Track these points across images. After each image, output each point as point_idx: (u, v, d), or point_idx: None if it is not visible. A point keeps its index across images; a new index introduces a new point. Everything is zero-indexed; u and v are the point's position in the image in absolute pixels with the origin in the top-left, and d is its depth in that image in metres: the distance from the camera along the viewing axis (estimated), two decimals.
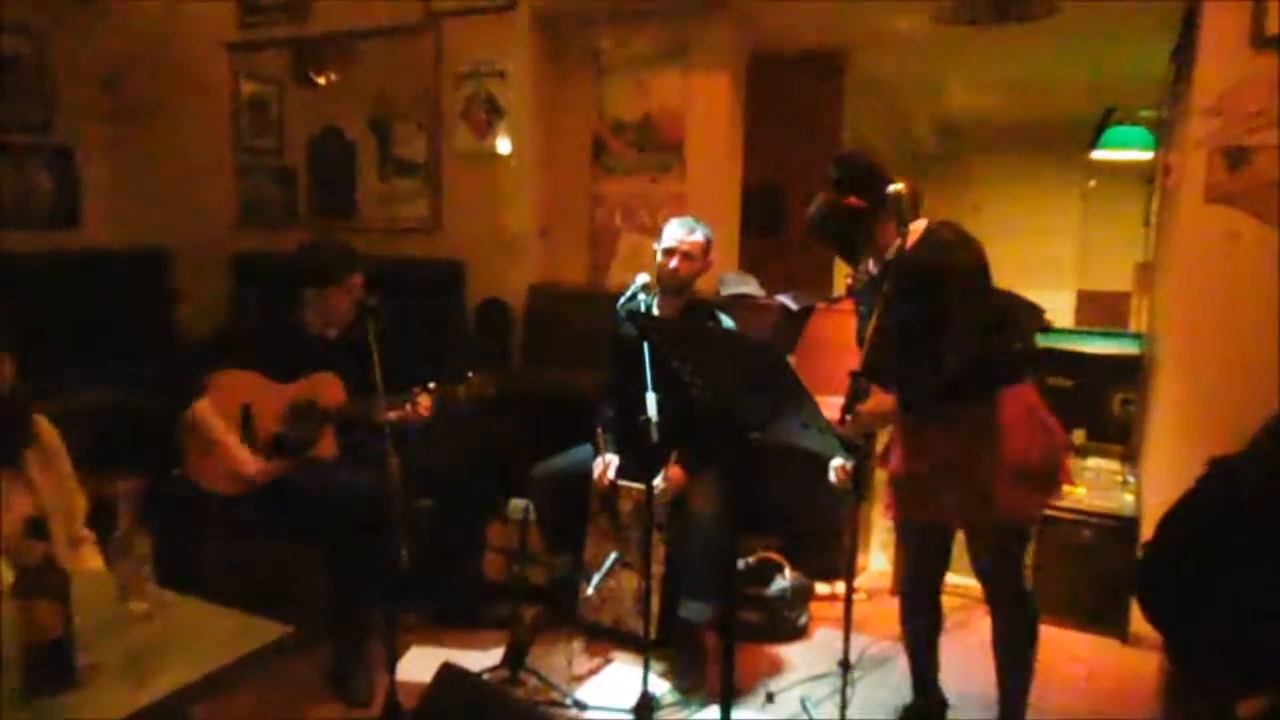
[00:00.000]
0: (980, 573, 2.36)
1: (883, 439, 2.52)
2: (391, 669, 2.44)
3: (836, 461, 2.41)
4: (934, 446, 2.27)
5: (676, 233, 2.98)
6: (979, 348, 2.13)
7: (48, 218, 4.40)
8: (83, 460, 2.34)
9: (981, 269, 2.16)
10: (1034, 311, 4.31)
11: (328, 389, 2.83)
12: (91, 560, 2.20)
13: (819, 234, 2.31)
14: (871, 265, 2.33)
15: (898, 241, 2.18)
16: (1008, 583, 2.30)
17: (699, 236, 2.98)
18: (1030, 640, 2.34)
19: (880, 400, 2.18)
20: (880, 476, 2.56)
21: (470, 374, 2.79)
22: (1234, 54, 2.86)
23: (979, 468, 2.19)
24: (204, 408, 2.71)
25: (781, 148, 5.12)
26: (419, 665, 2.74)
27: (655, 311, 2.85)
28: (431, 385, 2.76)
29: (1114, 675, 2.95)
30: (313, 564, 2.71)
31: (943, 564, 2.46)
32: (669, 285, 2.95)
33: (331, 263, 2.90)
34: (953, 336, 2.11)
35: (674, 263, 2.95)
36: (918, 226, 2.19)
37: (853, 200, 2.19)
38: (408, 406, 2.72)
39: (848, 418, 2.15)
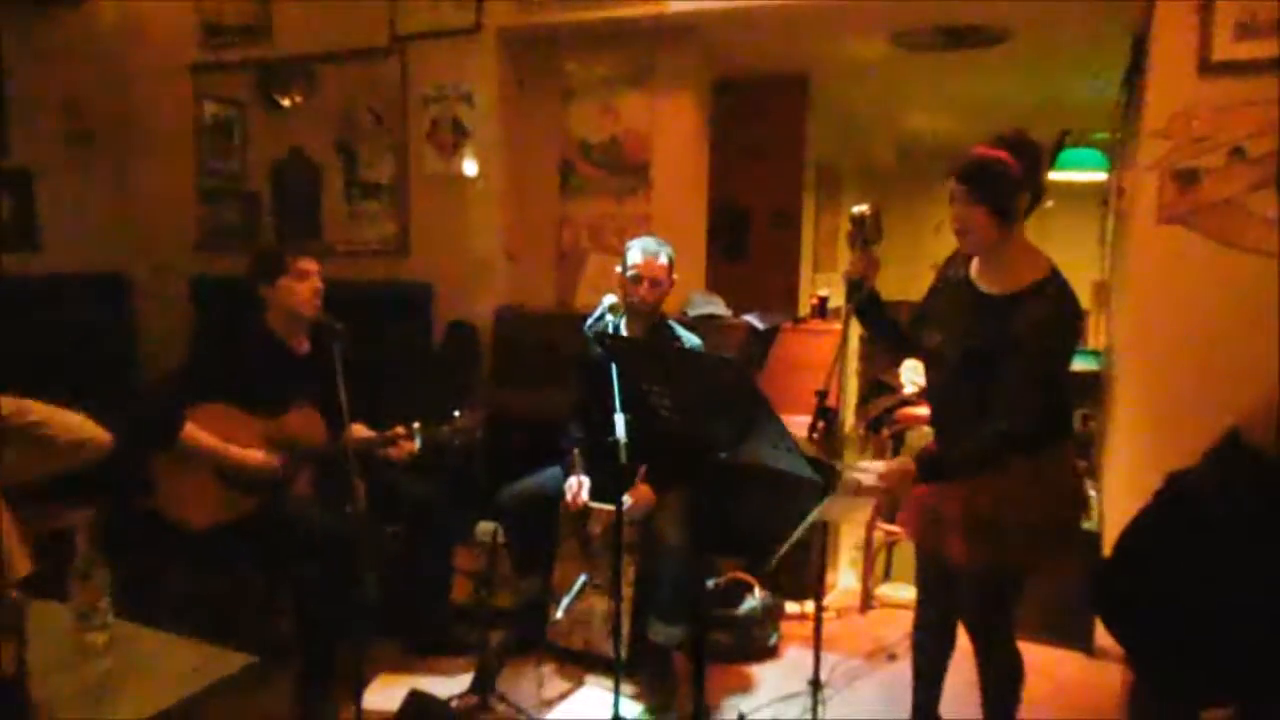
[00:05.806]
0: (967, 614, 2.28)
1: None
2: (358, 698, 2.40)
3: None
4: (960, 485, 2.14)
5: (641, 257, 2.94)
6: (1033, 416, 2.01)
7: (6, 241, 4.31)
8: (40, 490, 2.29)
9: (1078, 337, 2.08)
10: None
11: (307, 426, 2.74)
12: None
13: (968, 179, 2.09)
14: (969, 269, 2.18)
15: (1031, 274, 2.05)
16: (996, 631, 2.24)
17: (664, 259, 2.97)
18: (1015, 685, 2.28)
19: (902, 464, 2.07)
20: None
21: (457, 413, 2.75)
22: (1182, 80, 2.94)
23: (1003, 516, 2.08)
24: (193, 429, 2.61)
25: (746, 169, 5.19)
26: (386, 693, 2.70)
27: (623, 332, 2.85)
28: (416, 424, 2.72)
29: (1080, 688, 2.98)
30: (278, 592, 2.66)
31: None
32: (640, 310, 2.94)
33: (274, 253, 2.93)
34: (1016, 396, 1.98)
35: (643, 289, 2.93)
36: (1036, 265, 2.07)
37: (1006, 155, 2.05)
38: (390, 450, 2.71)
39: (868, 484, 2.03)
